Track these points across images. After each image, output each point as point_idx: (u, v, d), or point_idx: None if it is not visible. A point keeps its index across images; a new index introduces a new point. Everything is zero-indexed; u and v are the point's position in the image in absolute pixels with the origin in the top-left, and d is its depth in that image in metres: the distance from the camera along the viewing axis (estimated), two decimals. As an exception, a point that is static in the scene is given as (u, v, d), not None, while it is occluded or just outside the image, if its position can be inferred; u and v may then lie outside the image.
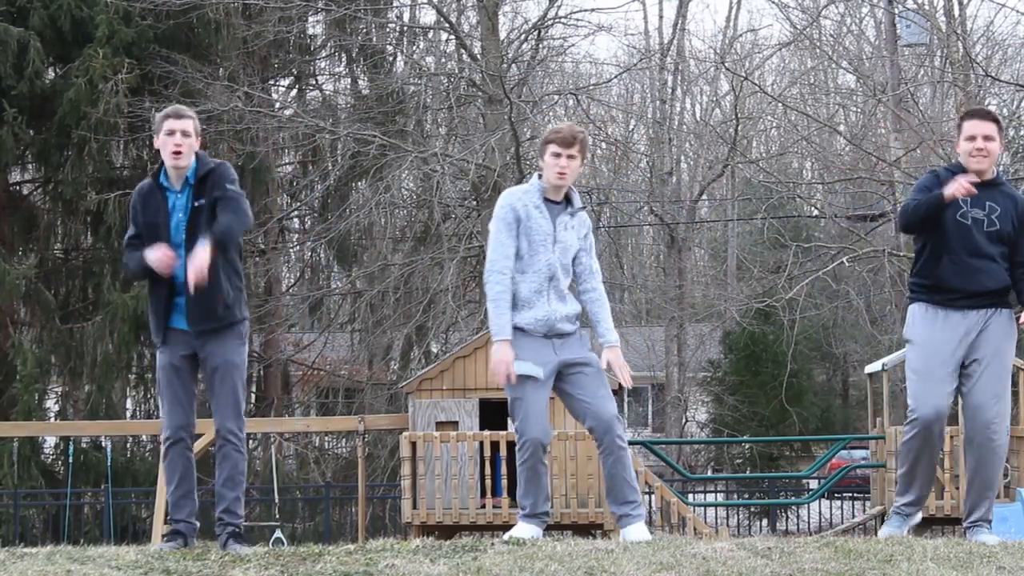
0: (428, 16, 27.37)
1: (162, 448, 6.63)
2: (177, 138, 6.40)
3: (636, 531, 6.38)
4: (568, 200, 6.59)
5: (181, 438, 6.55)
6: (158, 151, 6.54)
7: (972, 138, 6.53)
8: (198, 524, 6.67)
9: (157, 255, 6.32)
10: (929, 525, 14.86)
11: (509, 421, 16.46)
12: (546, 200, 6.53)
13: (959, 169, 6.58)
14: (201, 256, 6.18)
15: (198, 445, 14.80)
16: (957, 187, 6.38)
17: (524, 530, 6.38)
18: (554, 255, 6.47)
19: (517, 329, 6.45)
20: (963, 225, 6.46)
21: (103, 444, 20.38)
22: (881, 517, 16.59)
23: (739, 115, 27.22)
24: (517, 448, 6.46)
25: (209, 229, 6.31)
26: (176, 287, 6.43)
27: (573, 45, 36.08)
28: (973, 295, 6.47)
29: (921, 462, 6.57)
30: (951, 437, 14.37)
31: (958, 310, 6.49)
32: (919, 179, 6.87)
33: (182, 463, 6.56)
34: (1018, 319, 6.50)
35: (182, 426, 6.54)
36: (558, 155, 6.48)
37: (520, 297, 6.46)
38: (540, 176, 6.60)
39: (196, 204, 6.41)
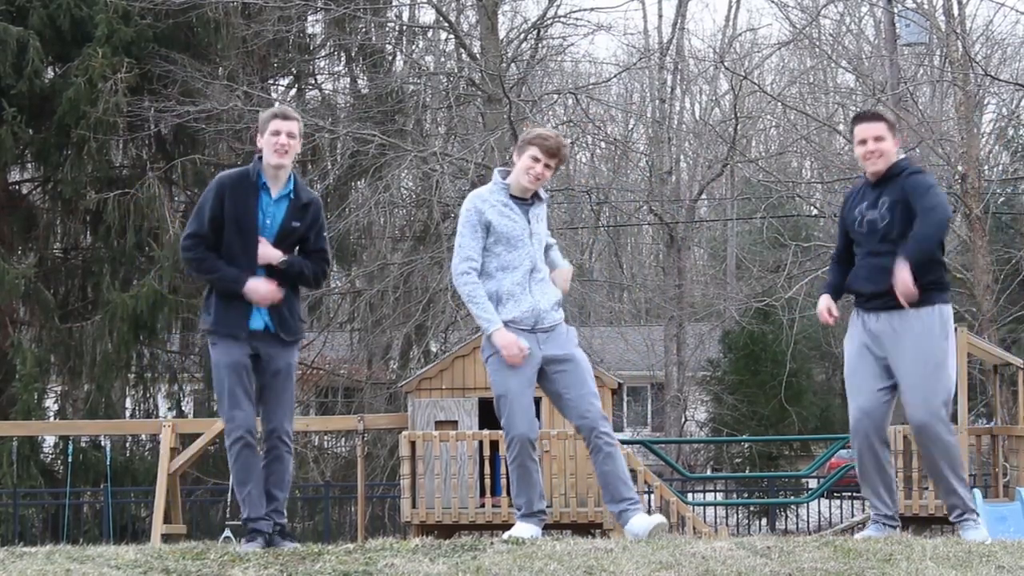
0: (427, 15, 27.41)
1: (231, 447, 6.49)
2: (283, 138, 6.48)
3: (639, 521, 6.34)
4: (536, 194, 6.61)
5: (251, 441, 6.50)
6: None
7: (863, 142, 6.61)
8: (284, 523, 6.61)
9: (265, 290, 6.41)
10: (928, 524, 14.86)
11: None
12: (513, 197, 6.53)
13: (864, 178, 6.72)
14: (269, 252, 6.43)
15: (197, 444, 14.88)
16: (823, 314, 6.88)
17: (523, 529, 6.37)
18: (532, 247, 6.51)
19: (505, 324, 6.44)
20: (860, 232, 6.61)
21: (102, 443, 20.38)
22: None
23: (738, 114, 27.23)
24: (505, 446, 6.47)
25: (293, 255, 6.53)
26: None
27: (572, 44, 36.09)
28: (876, 295, 6.54)
29: (865, 467, 6.63)
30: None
31: (870, 312, 6.61)
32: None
33: (256, 462, 6.52)
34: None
35: (251, 426, 6.51)
36: (537, 160, 6.47)
37: (503, 292, 6.45)
38: (504, 175, 6.59)
39: (293, 224, 6.51)
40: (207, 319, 6.57)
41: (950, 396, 6.53)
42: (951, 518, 6.65)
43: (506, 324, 6.41)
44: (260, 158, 6.55)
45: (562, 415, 6.69)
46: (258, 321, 6.49)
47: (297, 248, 6.64)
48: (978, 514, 6.64)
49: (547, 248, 6.72)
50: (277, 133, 6.47)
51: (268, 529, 6.45)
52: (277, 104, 6.97)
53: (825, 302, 6.84)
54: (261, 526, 6.46)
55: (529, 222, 6.52)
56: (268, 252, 6.43)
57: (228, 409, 6.49)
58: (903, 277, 6.33)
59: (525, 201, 6.55)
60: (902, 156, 6.69)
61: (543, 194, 6.66)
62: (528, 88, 26.13)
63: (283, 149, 6.46)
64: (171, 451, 14.65)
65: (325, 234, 6.70)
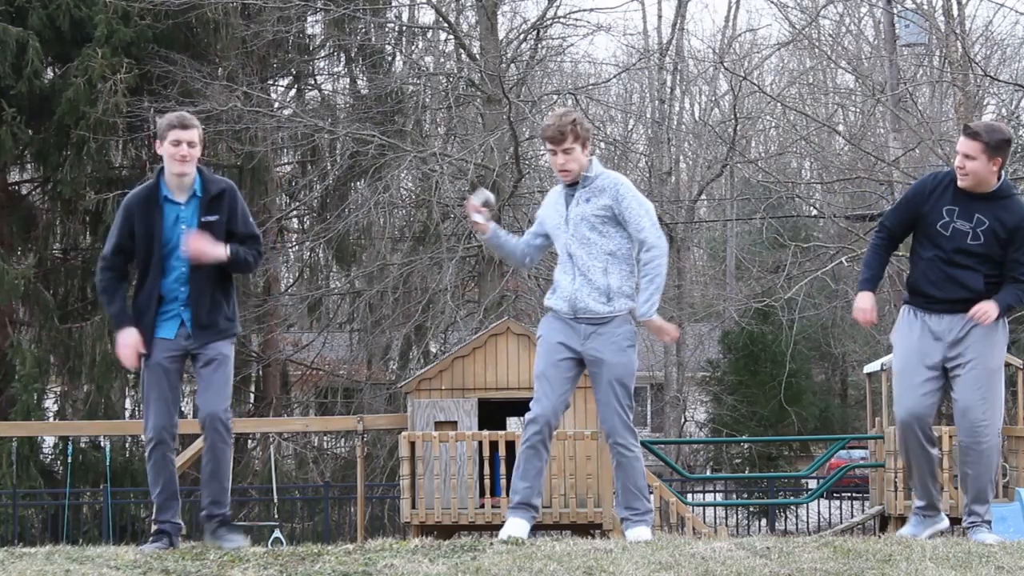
0: (427, 16, 27.39)
1: (146, 449, 6.61)
2: (183, 148, 6.42)
3: (635, 532, 6.38)
4: (587, 177, 6.52)
5: (164, 440, 6.51)
6: (157, 154, 6.56)
7: (958, 155, 6.54)
8: (183, 524, 6.67)
9: (127, 350, 6.44)
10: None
11: (508, 421, 16.52)
12: (567, 186, 6.56)
13: (952, 176, 6.59)
14: (213, 250, 6.37)
15: (197, 444, 14.88)
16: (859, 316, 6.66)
17: (516, 526, 6.33)
18: (568, 233, 6.48)
19: (548, 308, 6.54)
20: (942, 235, 6.49)
21: (102, 444, 20.38)
22: (880, 516, 16.61)
23: (738, 115, 27.22)
24: (523, 425, 6.48)
25: (224, 244, 6.44)
26: (163, 298, 6.47)
27: (572, 45, 36.03)
28: (948, 301, 6.49)
29: (913, 461, 6.61)
30: (950, 437, 14.39)
31: (935, 314, 6.52)
32: (916, 182, 6.89)
33: (167, 465, 6.55)
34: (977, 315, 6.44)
35: (166, 427, 6.51)
36: (554, 152, 6.49)
37: (555, 279, 6.56)
38: None
39: (209, 219, 6.45)
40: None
41: (1003, 401, 6.54)
42: (966, 521, 6.61)
43: (550, 311, 6.52)
44: (163, 169, 6.54)
45: None
46: (168, 331, 6.48)
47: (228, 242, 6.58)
48: (990, 524, 6.64)
49: (640, 252, 6.45)
50: (177, 143, 6.42)
51: (171, 530, 6.49)
52: (175, 112, 6.81)
53: (867, 301, 6.60)
54: (164, 527, 6.50)
55: (567, 209, 6.49)
56: (213, 250, 6.38)
57: (146, 412, 6.60)
58: (988, 314, 6.35)
59: (574, 186, 6.52)
60: (1003, 178, 6.51)
61: (594, 170, 6.48)
62: (528, 88, 26.12)
63: (183, 159, 6.43)
64: (170, 451, 14.65)
65: (251, 219, 6.61)
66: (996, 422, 6.48)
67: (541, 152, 30.08)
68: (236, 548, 6.08)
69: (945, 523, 6.77)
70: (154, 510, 6.63)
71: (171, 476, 6.57)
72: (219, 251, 6.38)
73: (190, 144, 6.42)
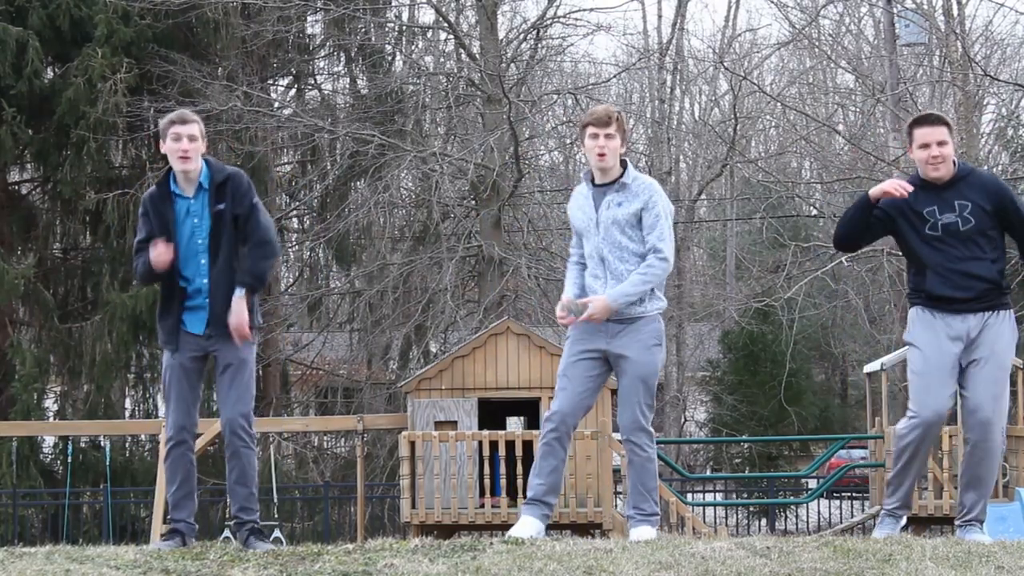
0: (427, 16, 27.39)
1: (163, 448, 6.67)
2: (184, 143, 6.45)
3: (637, 532, 6.38)
4: (619, 179, 6.51)
5: (184, 439, 6.57)
6: (160, 152, 6.60)
7: (926, 146, 6.49)
8: (197, 525, 6.70)
9: (156, 251, 6.40)
10: (928, 524, 14.88)
11: (508, 421, 16.53)
12: (596, 186, 6.53)
13: (918, 180, 6.55)
14: (240, 313, 6.40)
15: (197, 444, 14.87)
16: (891, 185, 6.45)
17: (527, 525, 6.32)
18: (599, 237, 6.46)
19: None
20: (935, 237, 6.47)
21: (102, 444, 20.39)
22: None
23: (738, 115, 27.20)
24: (543, 421, 6.48)
25: (232, 238, 6.46)
26: (188, 292, 6.52)
27: (572, 45, 35.91)
28: (965, 300, 6.48)
29: (915, 462, 6.61)
30: (950, 437, 14.39)
31: (955, 314, 6.51)
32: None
33: (184, 464, 6.59)
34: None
35: (185, 426, 6.57)
36: (596, 136, 6.45)
37: (586, 283, 6.54)
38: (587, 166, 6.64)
39: (218, 208, 6.48)
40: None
41: (1008, 400, 6.56)
42: (959, 519, 6.63)
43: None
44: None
45: None
46: (193, 324, 6.53)
47: (235, 238, 6.55)
48: (983, 523, 6.64)
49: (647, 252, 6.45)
50: (178, 138, 6.46)
51: (185, 530, 6.52)
52: (176, 110, 6.84)
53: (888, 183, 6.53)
54: (178, 526, 6.53)
55: (598, 210, 6.47)
56: (238, 319, 6.42)
57: (166, 411, 6.65)
58: None
59: (606, 186, 6.50)
60: (955, 160, 6.58)
61: (630, 175, 6.49)
62: (528, 88, 26.11)
63: (185, 154, 6.46)
64: (170, 451, 14.63)
65: (258, 213, 6.53)
66: (1003, 421, 6.50)
67: (541, 152, 30.11)
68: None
69: (905, 520, 6.80)
70: (169, 508, 6.66)
71: (188, 475, 6.61)
72: (241, 310, 6.40)
73: (190, 138, 6.45)
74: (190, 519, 6.59)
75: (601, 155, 6.45)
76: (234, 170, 6.64)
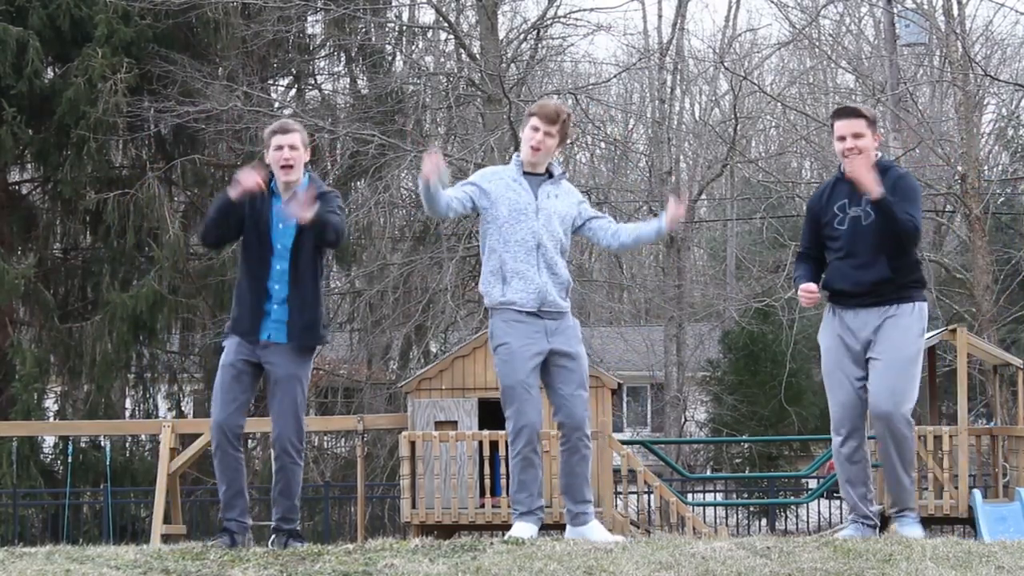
0: (427, 16, 27.40)
1: (213, 446, 6.68)
2: (286, 152, 6.54)
3: (595, 530, 6.42)
4: (550, 172, 6.55)
5: (227, 439, 6.60)
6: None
7: (842, 138, 6.54)
8: (250, 522, 6.73)
9: (246, 174, 6.40)
10: (928, 525, 14.86)
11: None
12: (526, 174, 6.51)
13: (840, 173, 6.63)
14: (311, 204, 6.32)
15: (197, 444, 14.88)
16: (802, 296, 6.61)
17: (523, 529, 6.36)
18: (538, 223, 6.43)
19: (508, 304, 6.44)
20: (840, 230, 6.54)
21: (102, 444, 20.38)
22: (880, 516, 16.60)
23: (738, 115, 27.22)
24: (511, 438, 6.41)
25: (311, 253, 6.55)
26: (272, 295, 6.55)
27: (572, 45, 36.00)
28: (858, 294, 6.51)
29: (853, 464, 6.64)
30: (951, 437, 14.38)
31: (851, 309, 6.55)
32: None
33: (230, 464, 6.62)
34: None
35: (229, 426, 6.59)
36: (537, 129, 6.45)
37: (507, 269, 6.44)
38: (518, 152, 6.60)
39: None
40: (228, 320, 6.77)
41: (915, 392, 6.51)
42: (889, 510, 6.72)
43: (509, 306, 6.44)
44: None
45: (551, 407, 6.65)
46: (264, 332, 6.56)
47: (315, 255, 6.67)
48: (916, 512, 6.68)
49: (592, 219, 6.64)
50: (279, 148, 6.56)
51: (235, 529, 6.57)
52: (279, 120, 6.90)
53: (804, 285, 6.63)
54: (229, 525, 6.59)
55: (537, 197, 6.46)
56: (301, 211, 6.37)
57: (214, 409, 6.66)
58: (868, 176, 6.34)
59: (538, 176, 6.51)
60: (880, 154, 6.67)
61: (556, 169, 6.56)
62: (528, 88, 26.11)
63: (287, 163, 6.55)
64: (171, 451, 14.65)
65: (337, 212, 6.57)
66: (903, 408, 6.44)
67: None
68: None
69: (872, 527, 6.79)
70: (221, 507, 6.73)
71: (235, 475, 6.64)
72: (313, 206, 6.35)
73: (292, 147, 6.54)
74: (241, 518, 6.63)
75: (535, 150, 6.45)
76: (331, 190, 6.72)
